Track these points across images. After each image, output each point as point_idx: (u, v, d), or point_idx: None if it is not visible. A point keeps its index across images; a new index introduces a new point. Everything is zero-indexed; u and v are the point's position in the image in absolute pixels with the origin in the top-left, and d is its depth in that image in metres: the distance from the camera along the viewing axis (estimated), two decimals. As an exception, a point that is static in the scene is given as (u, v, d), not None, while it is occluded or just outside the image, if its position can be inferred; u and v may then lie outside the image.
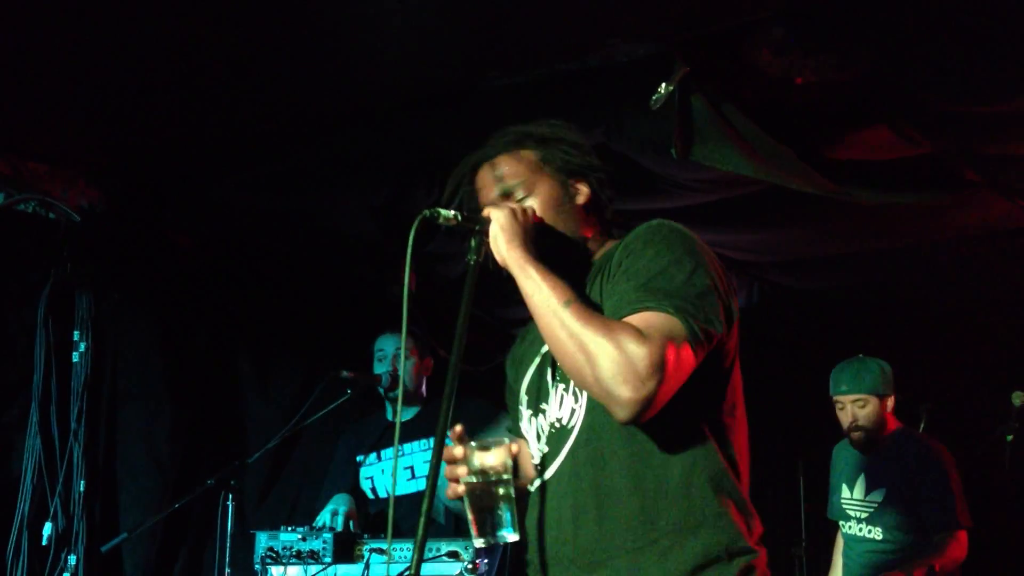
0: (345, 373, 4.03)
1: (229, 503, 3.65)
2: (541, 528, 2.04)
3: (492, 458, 1.92)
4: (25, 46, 3.07)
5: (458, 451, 1.95)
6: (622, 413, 1.81)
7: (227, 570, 3.60)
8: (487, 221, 2.01)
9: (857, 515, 4.41)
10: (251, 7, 2.90)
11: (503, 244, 1.97)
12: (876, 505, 4.33)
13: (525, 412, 2.20)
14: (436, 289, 4.92)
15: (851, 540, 4.47)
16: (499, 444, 1.93)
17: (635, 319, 1.85)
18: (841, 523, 4.54)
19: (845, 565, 4.52)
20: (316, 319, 5.05)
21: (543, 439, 2.10)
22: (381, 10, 2.90)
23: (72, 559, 3.97)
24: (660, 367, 1.78)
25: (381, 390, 4.10)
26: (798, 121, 3.39)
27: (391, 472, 4.02)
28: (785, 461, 6.46)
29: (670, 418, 1.87)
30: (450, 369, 1.89)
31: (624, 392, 1.78)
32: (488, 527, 1.91)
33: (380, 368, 4.15)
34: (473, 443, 1.93)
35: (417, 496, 3.96)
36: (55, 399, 4.02)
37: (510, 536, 1.91)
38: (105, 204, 4.18)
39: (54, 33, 2.99)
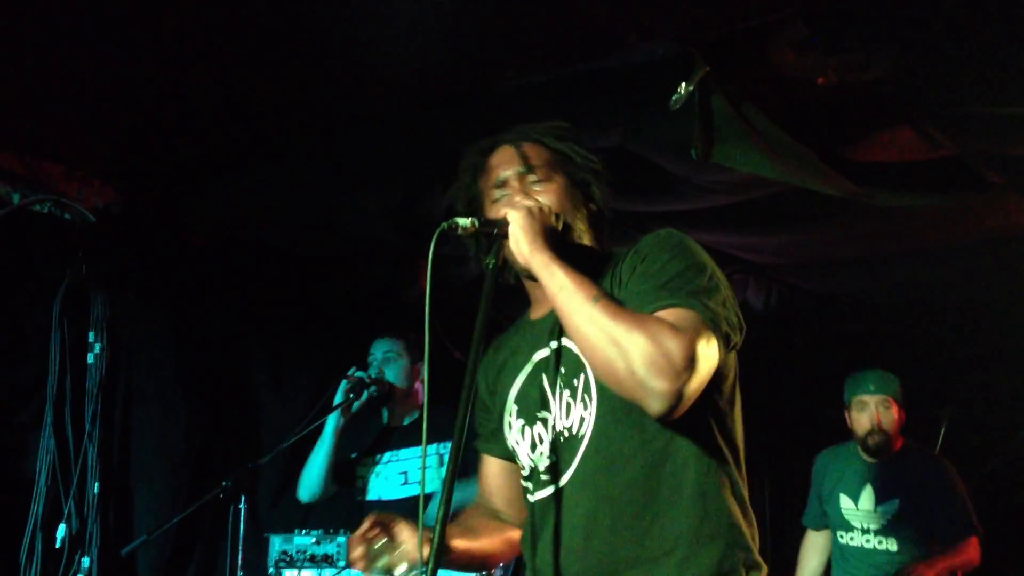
0: (363, 374, 4.04)
1: (242, 506, 3.64)
2: (557, 537, 2.00)
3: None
4: (41, 47, 3.06)
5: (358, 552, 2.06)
6: (657, 405, 1.77)
7: (240, 573, 3.59)
8: (505, 223, 1.98)
9: (865, 526, 4.35)
10: (267, 8, 2.89)
11: (525, 245, 1.95)
12: (890, 516, 4.29)
13: (515, 422, 2.16)
14: (452, 291, 4.90)
15: (856, 552, 4.38)
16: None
17: (663, 314, 1.83)
18: (839, 533, 4.47)
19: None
20: (330, 320, 5.03)
21: (544, 448, 2.07)
22: (397, 10, 2.88)
23: (86, 561, 3.96)
24: (693, 359, 1.77)
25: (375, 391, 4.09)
26: (819, 122, 3.35)
27: (385, 476, 4.01)
28: (802, 465, 6.40)
29: (682, 425, 1.86)
30: (467, 375, 1.86)
31: (660, 384, 1.75)
32: None
33: (370, 372, 4.14)
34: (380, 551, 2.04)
35: (408, 501, 3.97)
36: (70, 400, 4.01)
37: None
38: (120, 205, 4.17)
39: (70, 34, 2.98)
